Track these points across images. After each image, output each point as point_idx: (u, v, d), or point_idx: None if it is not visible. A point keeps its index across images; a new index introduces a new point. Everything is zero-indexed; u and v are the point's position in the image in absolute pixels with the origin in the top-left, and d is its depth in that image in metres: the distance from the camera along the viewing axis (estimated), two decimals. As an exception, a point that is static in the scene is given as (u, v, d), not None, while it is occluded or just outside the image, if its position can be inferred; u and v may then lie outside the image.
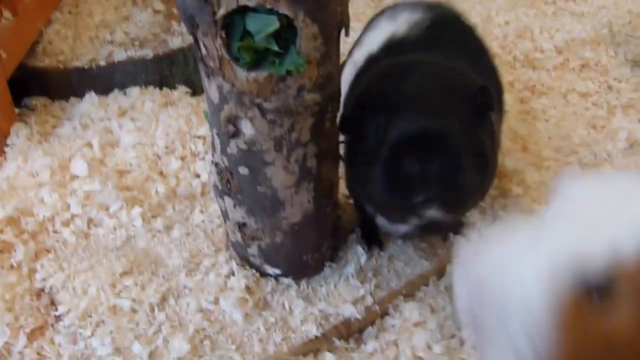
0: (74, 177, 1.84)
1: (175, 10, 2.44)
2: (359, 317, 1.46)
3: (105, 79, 2.17)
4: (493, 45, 2.44)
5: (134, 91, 2.13)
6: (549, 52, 2.39)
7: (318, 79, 1.20)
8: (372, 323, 1.48)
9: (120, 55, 2.16)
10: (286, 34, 1.13)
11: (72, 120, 2.06)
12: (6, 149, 1.95)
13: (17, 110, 2.08)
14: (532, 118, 2.13)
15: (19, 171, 1.86)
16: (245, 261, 1.53)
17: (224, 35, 1.13)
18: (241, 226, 1.45)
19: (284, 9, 1.08)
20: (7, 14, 2.07)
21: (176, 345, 1.36)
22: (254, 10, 1.10)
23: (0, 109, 1.96)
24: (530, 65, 2.36)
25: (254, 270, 1.53)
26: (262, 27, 1.10)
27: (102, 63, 2.15)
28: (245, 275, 1.50)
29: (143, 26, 2.34)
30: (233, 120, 1.26)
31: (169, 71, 2.22)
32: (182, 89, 2.21)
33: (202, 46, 1.18)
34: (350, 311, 1.46)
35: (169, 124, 1.98)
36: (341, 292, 1.51)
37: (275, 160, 1.29)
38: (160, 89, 2.19)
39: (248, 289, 1.48)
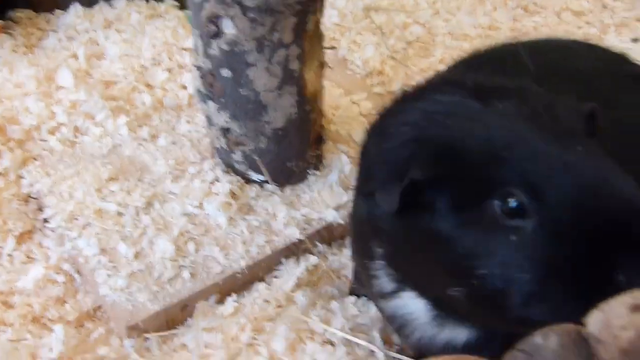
0: (59, 88, 1.83)
1: None
2: (341, 222, 1.48)
3: (91, -8, 2.14)
4: (487, -38, 2.39)
5: (120, 3, 2.10)
6: (545, -30, 2.35)
7: (299, -26, 1.18)
8: (355, 230, 1.51)
9: (105, -33, 2.12)
10: None
11: (57, 32, 2.04)
12: (-10, 60, 1.94)
13: (1, 23, 2.05)
14: (523, 35, 2.10)
15: (5, 82, 1.84)
16: (230, 168, 1.54)
17: None
18: (225, 131, 1.45)
19: None
20: None
21: (161, 246, 1.39)
22: None
23: (-17, 18, 1.94)
24: (525, -17, 2.32)
25: (239, 177, 1.54)
26: None
27: (88, -26, 2.11)
28: (229, 180, 1.52)
29: (130, -62, 2.28)
30: (214, 19, 1.24)
31: (156, -17, 2.18)
32: (169, 2, 2.18)
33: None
34: (332, 216, 1.48)
35: (156, 36, 1.96)
36: (324, 199, 1.52)
37: (257, 61, 1.28)
38: (147, 1, 2.16)
39: (232, 194, 1.49)
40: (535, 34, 2.11)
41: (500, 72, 1.05)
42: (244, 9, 1.20)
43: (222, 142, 1.48)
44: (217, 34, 1.26)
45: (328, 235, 1.46)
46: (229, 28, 1.24)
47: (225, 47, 1.27)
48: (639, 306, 0.67)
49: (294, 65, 1.32)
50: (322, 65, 1.44)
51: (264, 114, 1.38)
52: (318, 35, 1.37)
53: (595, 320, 0.68)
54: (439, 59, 1.98)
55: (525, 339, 0.71)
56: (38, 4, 2.17)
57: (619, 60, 1.26)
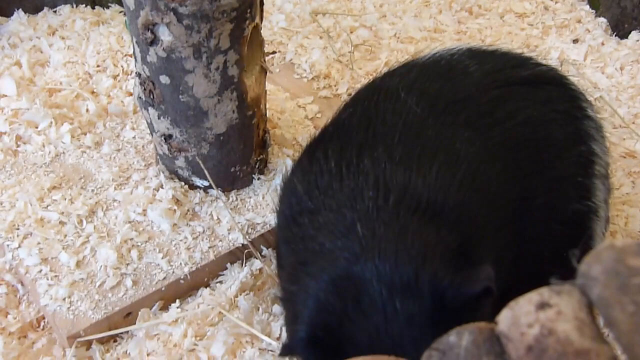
0: (1, 96, 1.80)
1: None
2: (285, 226, 1.49)
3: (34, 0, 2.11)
4: (433, -35, 2.43)
5: (65, 10, 2.08)
6: (489, -27, 2.40)
7: (233, -18, 1.19)
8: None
9: (49, -28, 2.10)
10: None
11: (0, 39, 2.01)
12: None
13: (-58, 29, 2.02)
14: (468, 38, 2.15)
15: (-57, 92, 1.81)
16: (173, 174, 1.54)
17: None
18: (167, 138, 1.45)
19: None
20: None
21: (103, 254, 1.38)
22: None
23: None
24: (469, -13, 2.36)
25: (183, 183, 1.54)
26: None
27: (31, -20, 2.08)
28: (173, 187, 1.52)
29: (74, -57, 2.26)
30: (150, 26, 1.24)
31: (101, -10, 2.16)
32: (115, 8, 2.16)
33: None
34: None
35: (100, 42, 1.94)
36: (269, 203, 1.54)
37: (195, 68, 1.29)
38: (92, 8, 2.14)
39: (176, 200, 1.49)
40: (480, 36, 2.15)
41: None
42: (179, 16, 1.20)
43: (164, 149, 1.48)
44: (154, 41, 1.26)
45: (273, 239, 1.47)
46: (165, 35, 1.24)
47: (162, 54, 1.28)
48: (545, 304, 0.69)
49: (233, 71, 1.33)
50: (263, 70, 1.45)
51: (205, 120, 1.39)
52: (258, 41, 1.38)
53: (505, 318, 0.70)
54: (384, 61, 2.00)
55: (440, 338, 0.73)
56: (-20, 10, 2.14)
57: (515, 65, 1.25)
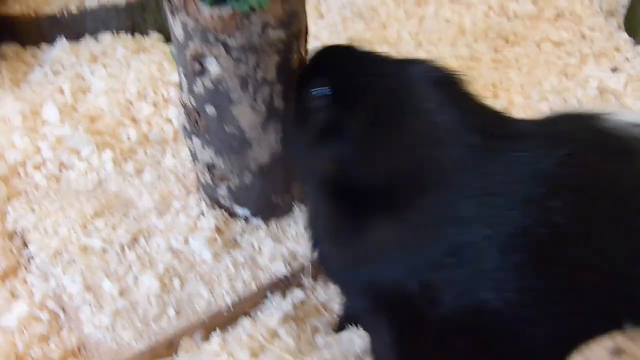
0: (45, 122, 1.83)
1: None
2: (325, 256, 1.48)
3: (76, 26, 2.14)
4: (468, -6, 2.44)
5: (106, 37, 2.11)
6: (524, 2, 2.39)
7: (283, 16, 1.20)
8: (341, 263, 1.52)
9: (91, 2, 2.13)
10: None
11: (43, 66, 2.04)
12: (-25, 95, 1.94)
13: (-13, 57, 2.07)
14: (504, 66, 2.14)
15: (-10, 117, 1.85)
16: (215, 202, 1.55)
17: (185, -32, 1.12)
18: (210, 167, 1.46)
19: (245, -59, 1.07)
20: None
21: (146, 282, 1.39)
22: (216, -58, 1.09)
23: (-32, 54, 1.94)
24: (505, 15, 2.36)
25: (224, 211, 1.54)
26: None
27: (73, 9, 2.12)
28: (214, 215, 1.52)
29: (116, -28, 2.30)
30: (198, 58, 1.26)
31: (141, 18, 2.19)
32: (154, 36, 2.19)
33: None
34: (318, 251, 1.48)
35: (141, 70, 1.97)
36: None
37: (242, 99, 1.30)
38: (133, 35, 2.17)
39: (217, 229, 1.50)
40: (517, 64, 2.14)
41: None
42: (228, 49, 1.21)
43: (207, 177, 1.49)
44: (202, 72, 1.28)
45: (314, 270, 1.47)
46: (213, 66, 1.26)
47: (209, 85, 1.29)
48: (619, 350, 0.68)
49: (278, 102, 1.33)
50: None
51: (249, 150, 1.39)
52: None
53: (579, 365, 0.69)
54: (421, 90, 2.00)
55: None
56: (25, 38, 2.18)
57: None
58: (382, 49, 2.18)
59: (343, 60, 1.22)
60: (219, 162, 1.44)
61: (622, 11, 2.35)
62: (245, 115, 1.32)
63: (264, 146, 1.40)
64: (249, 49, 1.21)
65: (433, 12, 2.38)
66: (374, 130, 1.08)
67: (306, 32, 1.34)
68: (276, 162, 1.44)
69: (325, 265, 1.25)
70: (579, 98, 1.97)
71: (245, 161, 1.42)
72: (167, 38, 2.21)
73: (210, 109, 1.33)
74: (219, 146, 1.40)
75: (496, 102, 1.95)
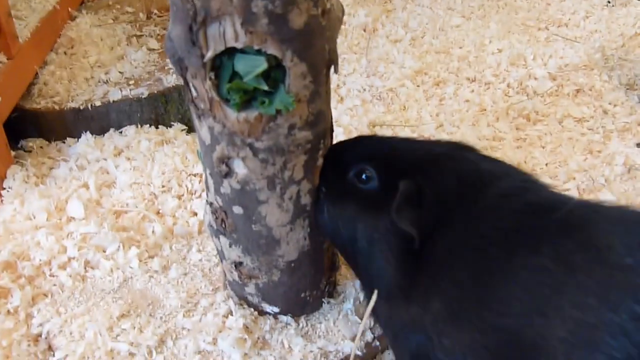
0: (70, 219, 1.84)
1: (170, 49, 2.46)
2: (359, 353, 1.44)
3: (100, 119, 2.18)
4: (486, 73, 2.46)
5: (130, 130, 2.14)
6: (543, 78, 2.40)
7: (309, 116, 1.20)
8: (373, 359, 1.47)
9: (115, 95, 2.18)
10: (275, 73, 1.13)
11: (68, 161, 2.06)
12: (3, 192, 1.95)
13: (13, 153, 2.09)
14: (528, 145, 2.13)
15: (16, 214, 1.85)
16: (243, 300, 1.52)
17: (213, 77, 1.13)
18: (238, 265, 1.44)
19: (271, 50, 1.08)
20: (1, 57, 2.09)
21: (174, 388, 1.34)
22: (242, 51, 1.10)
23: (-4, 152, 1.97)
24: (524, 93, 2.36)
25: (252, 309, 1.51)
26: (250, 67, 1.11)
27: (97, 103, 2.16)
28: (243, 314, 1.49)
29: (138, 65, 2.36)
30: (225, 160, 1.25)
31: (164, 109, 2.23)
32: (177, 127, 2.22)
33: (192, 88, 1.18)
34: (349, 347, 1.44)
35: (165, 163, 1.98)
36: (340, 329, 1.49)
37: (269, 198, 1.28)
38: (156, 127, 2.20)
39: (246, 328, 1.46)
40: (540, 142, 2.13)
41: None
42: (255, 150, 1.21)
43: (234, 276, 1.47)
44: (228, 174, 1.27)
45: (346, 369, 1.42)
46: (240, 168, 1.25)
47: (236, 185, 1.28)
48: None
49: (306, 200, 1.32)
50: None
51: (277, 248, 1.37)
52: (328, 167, 1.37)
53: None
54: (446, 173, 1.98)
55: None
56: (49, 131, 2.22)
57: None
58: (404, 131, 2.19)
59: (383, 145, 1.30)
60: (247, 261, 1.41)
61: (642, 83, 2.36)
62: (273, 214, 1.31)
63: (292, 243, 1.37)
64: (275, 150, 1.21)
65: (452, 92, 2.39)
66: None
67: (331, 129, 1.34)
68: (304, 259, 1.41)
69: None
70: (607, 176, 1.94)
71: (273, 259, 1.39)
72: (190, 128, 2.24)
73: (237, 209, 1.32)
74: (247, 245, 1.38)
75: (522, 183, 1.92)
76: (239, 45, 1.08)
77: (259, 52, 1.09)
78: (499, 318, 1.04)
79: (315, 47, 1.13)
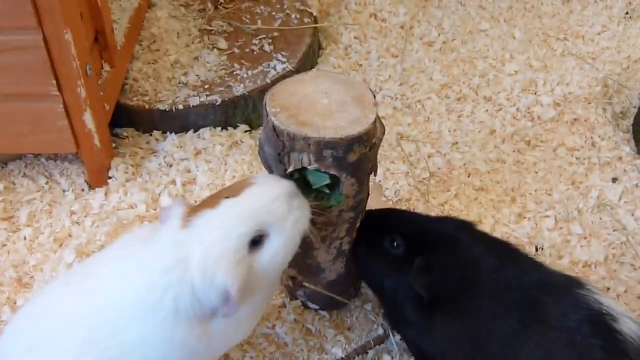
0: (163, 211, 2.42)
1: (237, 51, 2.94)
2: (370, 342, 2.06)
3: (181, 119, 2.70)
4: (501, 96, 2.91)
5: (206, 133, 2.67)
6: (547, 106, 2.84)
7: (353, 204, 1.74)
8: (380, 343, 2.09)
9: (194, 101, 2.68)
10: (332, 180, 1.66)
11: (157, 157, 2.61)
12: (109, 181, 2.53)
13: (113, 144, 2.64)
14: (524, 169, 2.62)
15: (121, 203, 2.44)
16: (293, 297, 2.13)
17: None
18: (292, 278, 2.03)
19: (332, 172, 1.61)
20: (106, 66, 2.59)
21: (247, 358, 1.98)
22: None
23: (103, 149, 2.50)
24: (530, 118, 2.82)
25: (300, 304, 2.12)
26: (317, 180, 1.64)
27: (180, 106, 2.67)
28: (293, 308, 2.10)
29: (211, 68, 2.84)
30: (292, 221, 1.81)
31: (232, 113, 2.74)
32: (242, 127, 2.74)
33: (275, 181, 1.72)
34: (366, 339, 2.05)
35: (235, 168, 2.53)
36: (361, 323, 2.10)
37: (321, 247, 1.85)
38: (226, 128, 2.73)
39: (295, 320, 2.08)
40: (534, 168, 2.62)
41: None
42: (314, 223, 1.76)
43: (289, 282, 2.07)
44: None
45: (362, 351, 2.04)
46: (302, 227, 1.81)
47: (298, 236, 1.84)
48: None
49: (345, 247, 1.89)
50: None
51: (322, 273, 1.96)
52: (362, 221, 1.93)
53: None
54: (454, 193, 2.51)
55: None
56: (139, 124, 2.75)
57: None
58: (425, 148, 2.69)
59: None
60: (300, 277, 2.01)
61: (634, 112, 2.79)
62: (322, 256, 1.88)
63: (333, 271, 1.96)
64: (328, 223, 1.76)
65: (470, 110, 2.86)
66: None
67: (367, 200, 1.87)
68: (340, 278, 2.00)
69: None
70: (580, 209, 2.45)
71: (319, 279, 1.98)
72: (252, 128, 2.76)
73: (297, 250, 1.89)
74: (301, 268, 1.97)
75: (512, 208, 2.45)
76: (311, 168, 1.61)
77: (323, 171, 1.62)
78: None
79: (362, 168, 1.66)
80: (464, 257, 1.72)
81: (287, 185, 1.56)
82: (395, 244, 1.78)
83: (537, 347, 1.56)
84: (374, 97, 1.66)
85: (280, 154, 1.62)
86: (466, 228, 1.82)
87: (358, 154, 1.59)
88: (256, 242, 1.51)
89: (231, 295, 1.43)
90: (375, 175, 1.77)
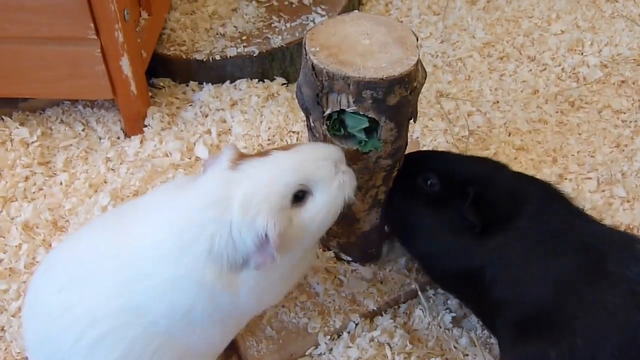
0: (198, 159, 2.41)
1: (276, 3, 2.89)
2: (401, 296, 2.03)
3: (218, 69, 2.69)
4: (545, 55, 2.81)
5: (243, 84, 2.65)
6: (594, 67, 2.75)
7: (391, 151, 1.70)
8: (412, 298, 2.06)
9: (231, 51, 2.66)
10: (372, 124, 1.62)
11: (193, 106, 2.60)
12: (145, 129, 2.53)
13: (150, 94, 2.63)
14: (567, 130, 2.55)
15: (157, 151, 2.44)
16: (326, 248, 2.10)
17: (329, 124, 1.63)
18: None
19: (371, 115, 1.57)
20: (144, 14, 2.57)
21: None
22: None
23: (140, 96, 2.50)
24: (575, 78, 2.73)
25: (332, 254, 2.10)
26: (356, 124, 1.60)
27: (217, 57, 2.65)
28: (326, 259, 2.08)
29: (249, 20, 2.81)
30: (328, 167, 1.78)
31: (269, 65, 2.71)
32: (279, 80, 2.71)
33: (312, 125, 1.69)
34: (397, 291, 2.03)
35: (271, 120, 2.51)
36: (394, 277, 2.07)
37: (357, 195, 1.81)
38: (262, 81, 2.70)
39: (327, 270, 2.06)
40: (577, 130, 2.54)
41: None
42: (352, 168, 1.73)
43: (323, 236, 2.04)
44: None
45: (395, 303, 2.02)
46: (338, 174, 1.78)
47: (333, 183, 1.81)
48: None
49: (381, 196, 1.85)
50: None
51: (356, 223, 1.93)
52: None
53: None
54: (493, 152, 2.45)
55: None
56: (175, 74, 2.74)
57: None
58: (465, 105, 2.63)
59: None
60: (334, 227, 1.97)
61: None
62: (357, 205, 1.85)
63: (367, 221, 1.93)
64: (365, 170, 1.73)
65: (513, 69, 2.78)
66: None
67: (405, 149, 1.83)
68: (374, 229, 1.97)
69: None
70: (624, 172, 2.37)
71: (353, 230, 1.96)
72: (289, 81, 2.72)
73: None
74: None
75: (553, 169, 2.38)
76: (349, 110, 1.57)
77: (362, 114, 1.58)
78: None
79: (402, 113, 1.61)
80: (508, 189, 1.70)
81: (336, 151, 1.55)
82: (429, 182, 1.75)
83: (592, 292, 1.50)
84: (417, 39, 1.61)
85: (318, 95, 1.58)
86: (503, 167, 1.81)
87: (398, 96, 1.54)
88: (299, 198, 1.49)
89: (269, 241, 1.41)
90: (415, 121, 1.72)
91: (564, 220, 1.64)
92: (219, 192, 1.44)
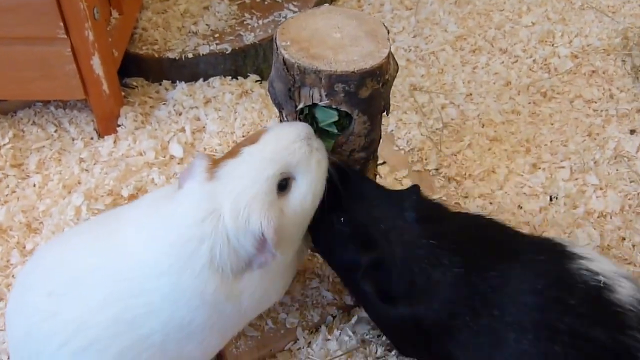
0: (172, 158, 2.40)
1: (248, 0, 2.88)
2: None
3: (191, 67, 2.67)
4: (517, 47, 2.84)
5: (216, 82, 2.64)
6: (565, 58, 2.78)
7: (364, 144, 1.70)
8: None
9: (204, 49, 2.64)
10: (344, 120, 1.62)
11: (167, 105, 2.58)
12: (118, 129, 2.51)
13: (123, 93, 2.61)
14: (539, 121, 2.57)
15: (130, 150, 2.42)
16: (303, 243, 2.10)
17: (301, 118, 1.63)
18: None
19: (344, 108, 1.57)
20: (114, 13, 2.55)
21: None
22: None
23: (112, 96, 2.47)
24: (547, 69, 2.76)
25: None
26: (326, 117, 1.60)
27: (190, 55, 2.64)
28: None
29: (221, 18, 2.80)
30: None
31: (242, 62, 2.70)
32: (252, 77, 2.70)
33: (285, 119, 1.69)
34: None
35: (245, 116, 2.50)
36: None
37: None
38: (236, 78, 2.69)
39: (304, 265, 2.06)
40: (550, 120, 2.57)
41: None
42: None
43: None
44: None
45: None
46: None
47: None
48: None
49: (356, 190, 1.85)
50: (374, 176, 1.97)
51: (332, 218, 1.93)
52: (373, 166, 1.89)
53: None
54: (467, 143, 2.47)
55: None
56: (148, 73, 2.72)
57: None
58: (438, 98, 2.65)
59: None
60: (310, 222, 1.98)
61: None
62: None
63: (343, 215, 1.93)
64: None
65: (485, 62, 2.80)
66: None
67: (379, 141, 1.84)
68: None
69: None
70: (596, 160, 2.40)
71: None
72: (263, 78, 2.72)
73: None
74: (311, 213, 1.94)
75: (526, 159, 2.40)
76: (321, 104, 1.57)
77: (334, 108, 1.58)
78: None
79: (375, 105, 1.61)
80: (419, 256, 1.49)
81: (303, 127, 1.54)
82: (342, 220, 1.58)
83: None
84: (388, 32, 1.61)
85: (290, 89, 1.58)
86: (425, 210, 1.57)
87: (370, 89, 1.55)
88: (283, 186, 1.48)
89: (267, 238, 1.41)
90: (388, 114, 1.72)
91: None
92: (206, 206, 1.42)
